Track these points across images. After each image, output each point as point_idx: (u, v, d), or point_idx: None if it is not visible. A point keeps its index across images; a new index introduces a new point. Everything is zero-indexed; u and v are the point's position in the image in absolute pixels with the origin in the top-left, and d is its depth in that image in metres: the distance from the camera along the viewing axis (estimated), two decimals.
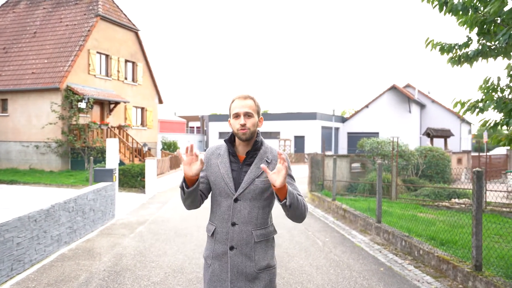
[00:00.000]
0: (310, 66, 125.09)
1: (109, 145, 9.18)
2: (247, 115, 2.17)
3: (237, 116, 2.18)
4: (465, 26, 5.00)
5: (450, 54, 5.21)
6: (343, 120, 41.96)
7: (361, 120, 40.41)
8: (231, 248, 2.16)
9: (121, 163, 19.07)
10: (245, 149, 2.25)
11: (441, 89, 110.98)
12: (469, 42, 5.12)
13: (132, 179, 14.69)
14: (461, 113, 5.05)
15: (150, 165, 14.30)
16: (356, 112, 41.42)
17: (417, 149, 16.23)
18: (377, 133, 37.78)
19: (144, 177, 14.46)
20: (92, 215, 7.58)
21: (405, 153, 14.62)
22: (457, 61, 5.08)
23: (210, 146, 2.35)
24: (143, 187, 14.43)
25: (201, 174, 2.27)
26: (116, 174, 9.18)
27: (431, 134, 18.74)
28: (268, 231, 2.23)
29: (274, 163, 2.22)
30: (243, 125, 2.15)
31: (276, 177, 1.97)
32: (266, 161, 2.22)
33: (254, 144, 2.24)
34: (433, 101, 41.26)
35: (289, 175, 2.20)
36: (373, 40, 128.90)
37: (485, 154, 14.06)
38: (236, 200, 2.17)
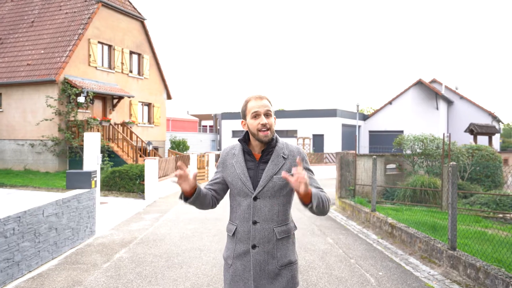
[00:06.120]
0: (329, 60, 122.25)
1: (88, 141, 7.11)
2: (267, 114, 2.12)
3: (256, 115, 2.11)
4: None
5: None
6: (364, 117, 39.43)
7: (384, 117, 37.82)
8: (253, 246, 2.11)
9: (123, 163, 17.16)
10: (261, 147, 2.18)
11: (469, 85, 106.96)
12: None
13: (130, 182, 12.63)
14: None
15: (151, 166, 12.24)
16: (377, 110, 38.85)
17: (463, 147, 13.81)
18: (402, 131, 35.22)
19: (143, 180, 12.42)
20: (53, 236, 5.51)
21: (453, 152, 12.24)
22: None
23: (225, 147, 2.28)
24: (142, 191, 12.38)
25: (217, 175, 2.24)
26: (97, 179, 7.12)
27: (475, 130, 16.20)
28: (289, 228, 2.18)
29: (291, 158, 2.16)
30: (264, 125, 2.09)
31: (298, 185, 1.88)
32: (283, 157, 2.16)
33: (269, 141, 2.15)
34: (461, 97, 38.46)
35: (307, 169, 2.15)
36: (395, 34, 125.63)
37: None
38: (255, 198, 2.12)
